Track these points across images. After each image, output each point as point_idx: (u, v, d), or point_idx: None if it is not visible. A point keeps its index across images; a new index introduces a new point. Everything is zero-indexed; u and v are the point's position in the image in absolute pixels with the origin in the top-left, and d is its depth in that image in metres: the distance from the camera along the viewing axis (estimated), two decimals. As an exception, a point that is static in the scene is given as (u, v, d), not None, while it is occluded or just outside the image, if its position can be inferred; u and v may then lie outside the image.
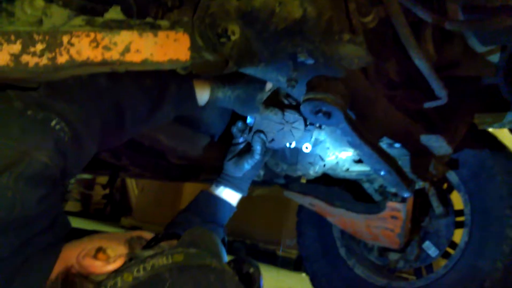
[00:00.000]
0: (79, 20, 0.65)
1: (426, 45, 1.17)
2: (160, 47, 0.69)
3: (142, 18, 0.78)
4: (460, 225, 1.73)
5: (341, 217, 1.69)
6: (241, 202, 1.24)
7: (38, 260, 0.61)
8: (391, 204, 1.47)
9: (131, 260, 0.65)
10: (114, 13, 0.68)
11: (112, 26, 0.67)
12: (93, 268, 0.65)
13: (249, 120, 1.17)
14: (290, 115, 1.13)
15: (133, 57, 0.67)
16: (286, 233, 3.84)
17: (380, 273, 1.84)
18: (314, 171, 1.29)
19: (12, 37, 0.58)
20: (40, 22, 0.65)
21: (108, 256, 0.66)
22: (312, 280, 2.01)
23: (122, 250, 0.69)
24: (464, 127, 1.33)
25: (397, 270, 1.83)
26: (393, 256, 1.82)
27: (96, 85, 0.75)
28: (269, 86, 1.08)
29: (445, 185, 1.82)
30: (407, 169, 1.17)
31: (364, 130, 0.94)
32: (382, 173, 1.03)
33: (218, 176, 1.22)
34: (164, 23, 0.71)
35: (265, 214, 4.02)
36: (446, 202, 1.78)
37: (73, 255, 0.66)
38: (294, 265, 3.69)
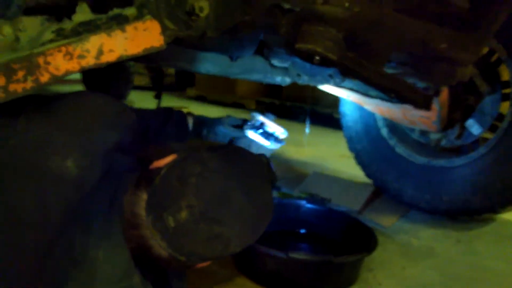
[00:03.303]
0: (49, 34, 0.67)
1: None
2: (132, 41, 0.70)
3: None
4: (506, 97, 1.65)
5: (377, 106, 1.69)
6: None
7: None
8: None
9: None
10: (81, 14, 0.69)
11: (80, 31, 0.68)
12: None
13: None
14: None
15: (108, 57, 0.69)
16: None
17: (421, 151, 1.88)
18: (335, 82, 1.27)
19: (-6, 72, 0.63)
20: (17, 39, 0.68)
21: None
22: (356, 159, 2.11)
23: None
24: (505, 13, 1.18)
25: (439, 148, 1.85)
26: (434, 135, 1.83)
27: None
28: None
29: (493, 58, 1.68)
30: (427, 76, 1.12)
31: (365, 64, 0.90)
32: (392, 96, 1.01)
33: None
34: (131, 11, 0.70)
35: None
36: (494, 77, 1.67)
37: None
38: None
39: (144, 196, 0.74)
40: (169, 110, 1.13)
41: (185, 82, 6.05)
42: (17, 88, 0.66)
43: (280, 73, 1.46)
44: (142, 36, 0.71)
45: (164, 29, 0.72)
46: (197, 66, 1.37)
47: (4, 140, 0.67)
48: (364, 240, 1.32)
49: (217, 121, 1.17)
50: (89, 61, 0.69)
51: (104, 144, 0.74)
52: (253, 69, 1.47)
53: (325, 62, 0.85)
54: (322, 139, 3.56)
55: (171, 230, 0.71)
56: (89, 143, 0.72)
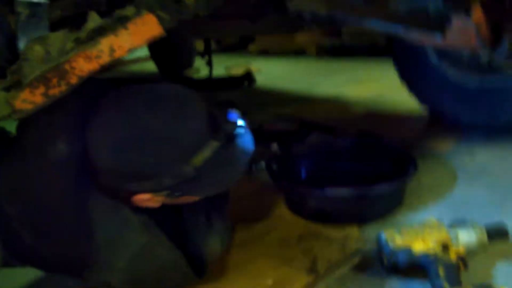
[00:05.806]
0: (70, 43, 0.82)
1: None
2: (135, 35, 0.82)
3: None
4: None
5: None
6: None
7: None
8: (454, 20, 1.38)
9: None
10: (92, 22, 0.83)
11: (93, 36, 0.82)
12: None
13: None
14: None
15: (120, 53, 0.83)
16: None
17: (474, 73, 1.80)
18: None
19: (35, 83, 0.80)
20: (48, 53, 0.84)
21: None
22: (408, 88, 2.08)
23: None
24: None
25: (492, 67, 1.75)
26: (484, 54, 1.73)
27: None
28: None
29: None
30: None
31: (362, 9, 0.93)
32: (401, 32, 1.02)
33: None
34: (130, 11, 0.82)
35: None
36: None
37: None
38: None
39: None
40: None
41: (246, 39, 6.17)
42: (55, 92, 0.82)
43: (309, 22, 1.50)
44: (142, 30, 0.83)
45: (160, 20, 0.83)
46: (221, 33, 1.46)
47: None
48: (407, 169, 1.35)
49: None
50: (105, 59, 0.83)
51: (70, 118, 0.93)
52: (279, 24, 1.53)
53: (316, 16, 0.90)
54: (382, 72, 3.45)
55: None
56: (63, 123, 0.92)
